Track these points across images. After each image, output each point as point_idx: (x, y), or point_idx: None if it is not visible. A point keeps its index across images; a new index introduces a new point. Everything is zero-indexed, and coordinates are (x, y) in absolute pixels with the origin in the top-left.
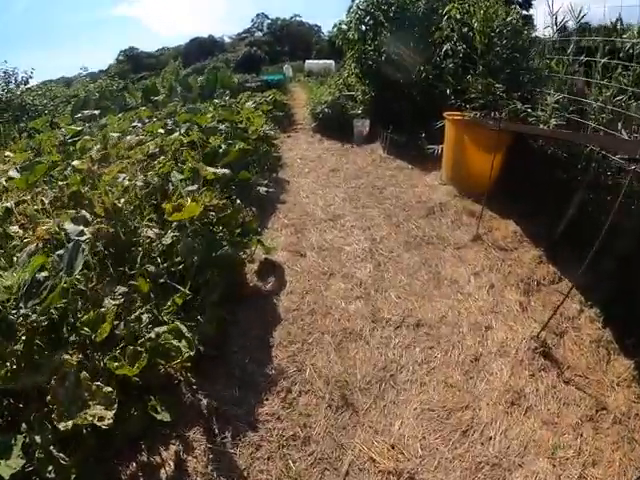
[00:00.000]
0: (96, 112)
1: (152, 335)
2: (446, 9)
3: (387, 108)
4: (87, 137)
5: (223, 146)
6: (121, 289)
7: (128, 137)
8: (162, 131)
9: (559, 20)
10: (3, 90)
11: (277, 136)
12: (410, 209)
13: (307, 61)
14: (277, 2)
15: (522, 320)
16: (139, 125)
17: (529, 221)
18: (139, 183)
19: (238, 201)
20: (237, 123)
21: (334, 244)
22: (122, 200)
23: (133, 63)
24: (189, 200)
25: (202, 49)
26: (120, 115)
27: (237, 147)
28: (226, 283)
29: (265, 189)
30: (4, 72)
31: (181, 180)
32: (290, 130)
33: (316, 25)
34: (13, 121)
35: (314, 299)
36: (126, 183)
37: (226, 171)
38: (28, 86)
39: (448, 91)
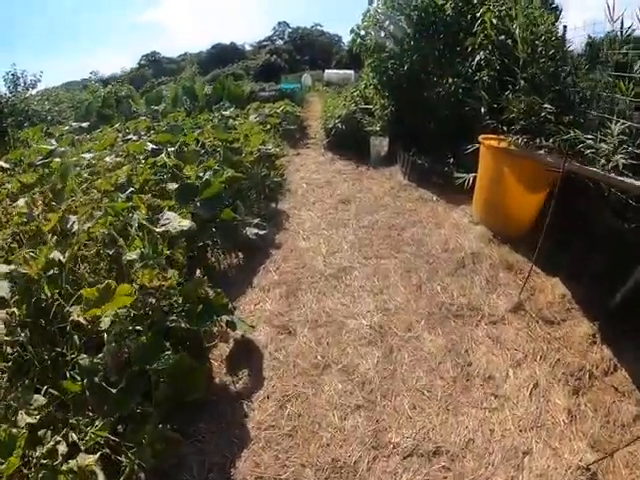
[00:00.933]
0: (84, 124)
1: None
2: (480, 11)
3: (409, 126)
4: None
5: (206, 175)
6: (39, 400)
7: (107, 158)
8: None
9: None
10: (11, 93)
11: (284, 154)
12: (435, 261)
13: (326, 71)
14: (299, 11)
15: (569, 437)
16: (133, 138)
17: (580, 281)
18: (82, 234)
19: (198, 272)
20: (230, 143)
21: (334, 315)
22: (62, 256)
23: (154, 68)
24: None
25: (223, 56)
26: (117, 126)
27: (223, 176)
28: (181, 384)
29: (255, 231)
30: (12, 75)
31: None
32: (300, 146)
33: (337, 35)
34: (16, 127)
35: (298, 410)
36: (74, 228)
37: (188, 225)
38: (37, 90)
39: (482, 109)
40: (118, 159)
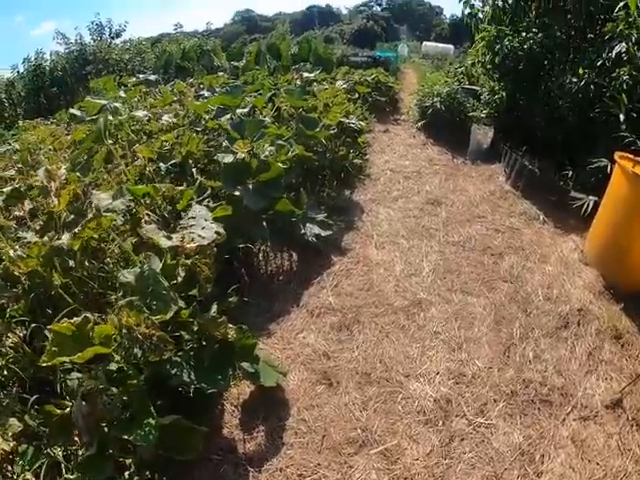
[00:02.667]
0: (153, 77)
1: None
2: None
3: (521, 119)
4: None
5: (266, 152)
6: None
7: (165, 117)
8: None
9: None
10: (94, 42)
11: (371, 128)
12: (533, 312)
13: (425, 43)
14: None
15: None
16: (206, 95)
17: None
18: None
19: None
20: (306, 112)
21: (393, 371)
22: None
23: (248, 25)
24: None
25: (318, 18)
26: (191, 80)
27: (288, 155)
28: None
29: (317, 231)
30: (97, 25)
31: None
32: (390, 122)
33: (438, 6)
34: (96, 75)
35: None
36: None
37: (211, 237)
38: (122, 39)
39: (621, 116)
40: (175, 120)
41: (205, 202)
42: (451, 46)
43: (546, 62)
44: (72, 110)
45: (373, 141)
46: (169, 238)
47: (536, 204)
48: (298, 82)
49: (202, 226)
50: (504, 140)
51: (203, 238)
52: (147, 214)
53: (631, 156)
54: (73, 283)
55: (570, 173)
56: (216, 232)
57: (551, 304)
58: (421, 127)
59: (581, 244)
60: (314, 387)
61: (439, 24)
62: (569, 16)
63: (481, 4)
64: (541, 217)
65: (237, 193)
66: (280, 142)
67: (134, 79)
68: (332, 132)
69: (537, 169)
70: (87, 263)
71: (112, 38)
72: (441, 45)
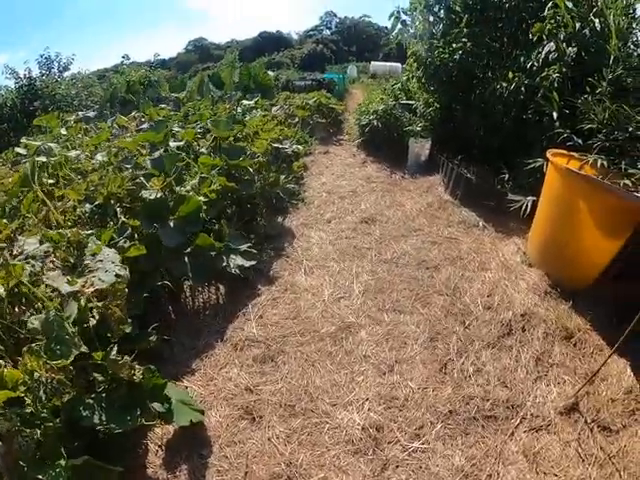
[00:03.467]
0: (91, 114)
1: None
2: None
3: (457, 128)
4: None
5: (189, 187)
6: None
7: (98, 156)
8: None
9: None
10: (43, 76)
11: (308, 151)
12: (472, 323)
13: (372, 63)
14: (347, 1)
15: None
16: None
17: None
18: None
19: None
20: (235, 140)
21: (319, 400)
22: None
23: (201, 53)
24: None
25: (269, 44)
26: (134, 114)
27: (209, 187)
28: None
29: (240, 262)
30: (46, 58)
31: None
32: (332, 143)
33: (385, 27)
34: (43, 111)
35: None
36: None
37: (111, 281)
38: (69, 73)
39: (554, 114)
40: (105, 159)
41: (122, 242)
42: (399, 64)
43: (477, 71)
44: (17, 149)
45: (312, 164)
46: (73, 283)
47: (475, 211)
48: (239, 110)
49: (106, 269)
50: (442, 151)
51: (103, 282)
52: (52, 261)
53: (565, 152)
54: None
55: (507, 176)
56: (116, 275)
57: (492, 312)
58: (361, 145)
59: (523, 246)
60: (236, 423)
61: (387, 44)
62: (500, 24)
63: (409, 19)
64: (480, 223)
65: (154, 230)
66: (204, 175)
67: (74, 116)
68: (260, 160)
69: (474, 176)
70: (17, 309)
71: (60, 72)
72: (389, 64)
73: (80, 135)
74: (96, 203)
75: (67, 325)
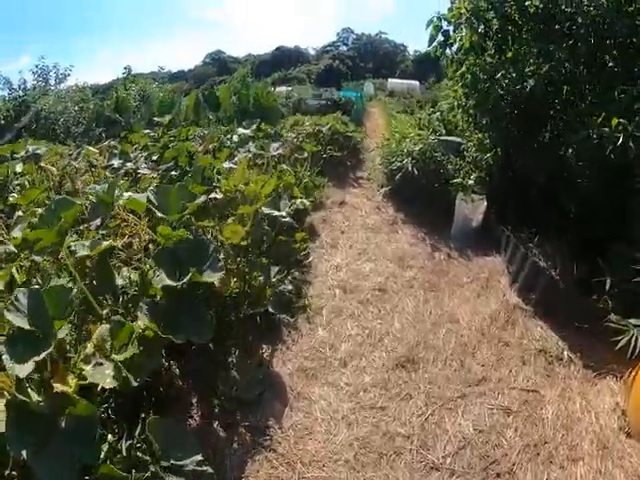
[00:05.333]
0: (40, 150)
1: None
2: None
3: (525, 184)
4: None
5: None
6: None
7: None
8: None
9: None
10: (35, 88)
11: (321, 199)
12: None
13: (390, 80)
14: (366, 18)
15: None
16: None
17: None
18: None
19: None
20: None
21: None
22: None
23: (218, 66)
24: None
25: (286, 59)
26: (106, 143)
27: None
28: None
29: None
30: (41, 68)
31: None
32: (349, 184)
33: (402, 44)
34: (28, 128)
35: None
36: None
37: None
38: (65, 85)
39: None
40: None
41: None
42: (417, 82)
43: (557, 104)
44: None
45: (322, 225)
46: None
47: (555, 326)
48: (235, 138)
49: None
50: (502, 216)
51: None
52: None
53: None
54: None
55: (608, 284)
56: None
57: None
58: (388, 194)
59: (621, 397)
60: None
61: (403, 61)
62: (572, 41)
63: (452, 29)
64: (565, 354)
65: None
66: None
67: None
68: (227, 269)
69: (555, 267)
70: None
71: (57, 84)
72: (407, 82)
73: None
74: None
75: None
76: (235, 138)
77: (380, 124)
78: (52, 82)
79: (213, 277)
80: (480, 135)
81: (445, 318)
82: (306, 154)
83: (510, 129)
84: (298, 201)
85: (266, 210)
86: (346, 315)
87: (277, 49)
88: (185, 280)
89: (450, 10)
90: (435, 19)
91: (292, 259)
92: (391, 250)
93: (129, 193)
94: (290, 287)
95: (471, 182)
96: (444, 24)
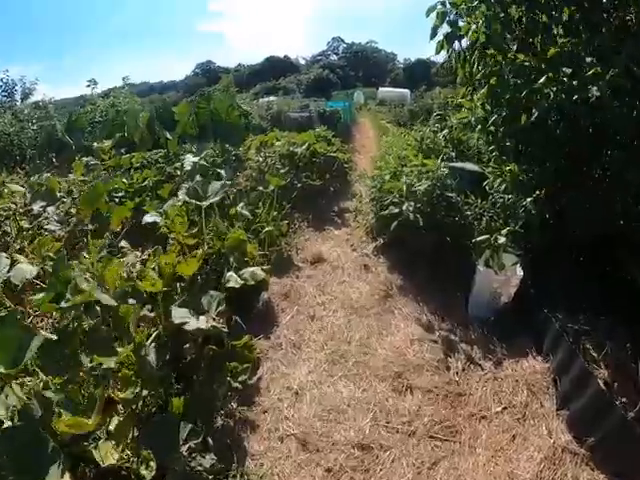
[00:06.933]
0: None
1: None
2: None
3: (584, 248)
4: None
5: None
6: None
7: None
8: None
9: None
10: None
11: (289, 253)
12: None
13: (380, 88)
14: (355, 27)
15: None
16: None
17: None
18: None
19: None
20: None
21: None
22: None
23: (208, 77)
24: None
25: (276, 68)
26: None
27: None
28: None
29: None
30: (5, 82)
31: None
32: (331, 221)
33: (392, 53)
34: None
35: None
36: None
37: None
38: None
39: None
40: None
41: None
42: (407, 91)
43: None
44: None
45: (285, 304)
46: None
47: None
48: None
49: None
50: (543, 289)
51: None
52: None
53: None
54: None
55: None
56: None
57: None
58: (380, 249)
59: None
60: None
61: (393, 69)
62: None
63: (463, 20)
64: None
65: None
66: None
67: None
68: None
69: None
70: None
71: (22, 99)
72: (397, 90)
73: None
74: None
75: None
76: (187, 166)
77: (371, 136)
78: (17, 97)
79: None
80: (512, 167)
81: None
82: (272, 188)
83: (557, 160)
84: (248, 273)
85: (177, 318)
86: None
87: (267, 59)
88: None
89: None
90: (439, 4)
91: (221, 392)
92: (383, 354)
93: None
94: (209, 462)
95: (502, 240)
96: (449, 9)
